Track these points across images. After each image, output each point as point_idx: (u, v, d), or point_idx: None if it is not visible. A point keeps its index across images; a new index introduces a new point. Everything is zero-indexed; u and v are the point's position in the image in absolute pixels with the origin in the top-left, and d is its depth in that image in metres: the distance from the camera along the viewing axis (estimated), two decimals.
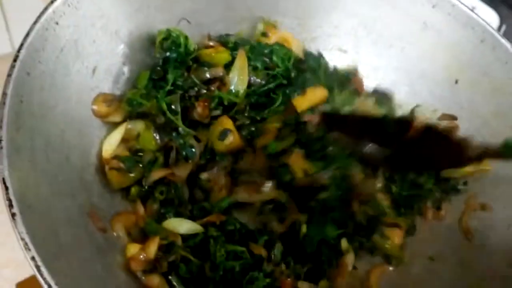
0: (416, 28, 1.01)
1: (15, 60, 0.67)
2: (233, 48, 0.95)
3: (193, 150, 0.86)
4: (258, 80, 0.93)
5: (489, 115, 0.94)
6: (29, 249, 0.56)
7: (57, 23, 0.75)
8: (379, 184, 0.93)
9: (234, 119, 0.90)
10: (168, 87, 0.86)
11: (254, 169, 0.88)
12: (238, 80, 0.90)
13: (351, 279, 0.88)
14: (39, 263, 0.55)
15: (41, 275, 0.55)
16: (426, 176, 0.95)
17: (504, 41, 0.92)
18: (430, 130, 0.82)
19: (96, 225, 0.75)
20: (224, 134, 0.86)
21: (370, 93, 1.06)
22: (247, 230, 0.84)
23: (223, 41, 0.97)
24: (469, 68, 0.97)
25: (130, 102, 0.85)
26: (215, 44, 0.96)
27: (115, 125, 0.85)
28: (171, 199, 0.84)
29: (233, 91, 0.90)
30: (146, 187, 0.84)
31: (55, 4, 0.75)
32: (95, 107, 0.83)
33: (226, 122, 0.88)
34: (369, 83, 1.08)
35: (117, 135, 0.84)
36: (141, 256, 0.74)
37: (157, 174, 0.84)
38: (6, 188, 0.58)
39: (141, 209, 0.82)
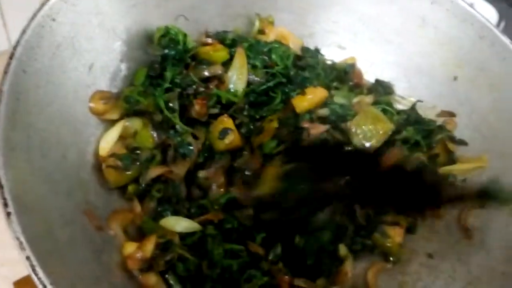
0: (415, 24, 1.01)
1: (11, 58, 0.67)
2: (231, 45, 0.94)
3: (191, 148, 0.85)
4: (257, 79, 0.92)
5: (487, 111, 0.94)
6: (24, 249, 0.55)
7: (53, 20, 0.74)
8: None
9: (233, 118, 0.89)
10: (166, 85, 0.85)
11: (250, 169, 0.87)
12: (237, 79, 0.89)
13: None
14: (34, 262, 0.55)
15: (36, 275, 0.54)
16: None
17: (503, 37, 0.92)
18: (400, 169, 0.80)
19: (93, 224, 0.74)
20: (224, 133, 0.86)
21: (372, 84, 1.06)
22: (244, 228, 0.83)
23: (220, 38, 0.96)
24: (468, 64, 0.97)
25: (127, 100, 0.84)
26: (213, 41, 0.95)
27: (112, 122, 0.85)
28: (169, 197, 0.84)
29: (232, 90, 0.89)
30: (143, 185, 0.83)
31: (52, 0, 0.74)
32: (92, 104, 0.82)
33: (227, 121, 0.87)
34: (367, 79, 1.08)
35: (114, 132, 0.83)
36: (138, 255, 0.74)
37: (154, 172, 0.83)
38: (1, 186, 0.57)
39: (138, 207, 0.82)
